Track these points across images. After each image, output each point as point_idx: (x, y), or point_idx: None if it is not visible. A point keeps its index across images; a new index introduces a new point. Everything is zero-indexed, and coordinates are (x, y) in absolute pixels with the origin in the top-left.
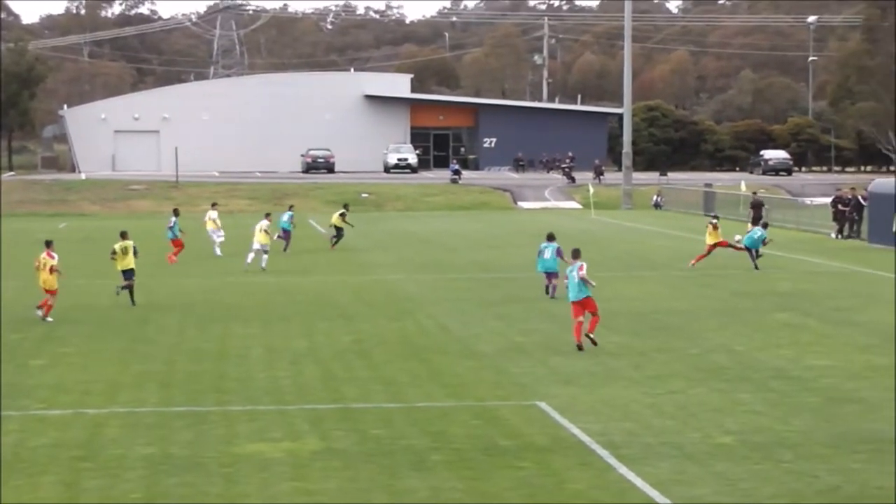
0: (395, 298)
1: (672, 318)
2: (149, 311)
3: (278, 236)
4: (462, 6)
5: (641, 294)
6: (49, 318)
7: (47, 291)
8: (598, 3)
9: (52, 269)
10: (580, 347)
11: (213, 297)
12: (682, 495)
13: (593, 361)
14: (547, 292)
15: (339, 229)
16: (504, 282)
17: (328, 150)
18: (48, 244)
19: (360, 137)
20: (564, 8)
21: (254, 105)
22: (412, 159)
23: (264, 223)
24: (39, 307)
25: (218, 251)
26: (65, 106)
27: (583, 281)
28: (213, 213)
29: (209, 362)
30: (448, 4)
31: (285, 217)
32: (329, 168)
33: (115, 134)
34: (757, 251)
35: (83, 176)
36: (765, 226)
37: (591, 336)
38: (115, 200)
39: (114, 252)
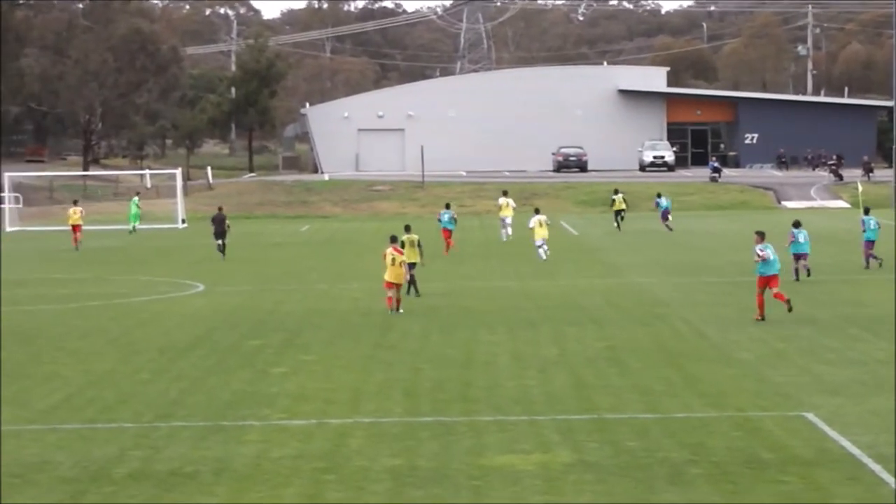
0: (648, 302)
1: None
2: (391, 317)
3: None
4: None
5: None
6: (400, 311)
7: (393, 285)
8: None
9: (401, 265)
10: (763, 318)
11: (457, 301)
12: None
13: (862, 370)
14: (795, 276)
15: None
16: None
17: (580, 147)
18: (393, 240)
19: (614, 134)
20: None
21: (502, 101)
22: (669, 157)
23: (543, 217)
24: (390, 307)
25: (504, 236)
26: (306, 104)
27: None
28: (512, 202)
29: (455, 370)
30: None
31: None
32: (581, 167)
33: (359, 132)
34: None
35: (326, 176)
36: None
37: (789, 300)
38: (358, 202)
39: (402, 244)
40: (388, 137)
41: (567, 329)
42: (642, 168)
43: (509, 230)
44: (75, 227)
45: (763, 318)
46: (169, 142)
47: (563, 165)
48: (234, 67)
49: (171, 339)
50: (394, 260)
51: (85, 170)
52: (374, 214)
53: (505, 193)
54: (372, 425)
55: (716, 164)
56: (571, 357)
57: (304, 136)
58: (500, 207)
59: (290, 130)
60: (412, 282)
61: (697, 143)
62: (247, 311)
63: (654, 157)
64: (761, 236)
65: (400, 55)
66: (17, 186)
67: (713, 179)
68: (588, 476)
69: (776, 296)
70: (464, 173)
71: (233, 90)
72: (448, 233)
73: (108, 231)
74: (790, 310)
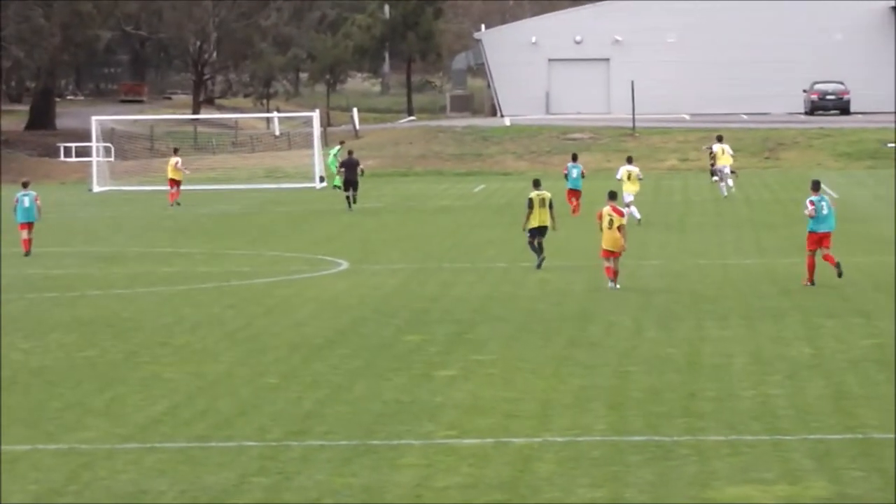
0: None
1: None
2: (592, 305)
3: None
4: None
5: None
6: (617, 286)
7: (611, 254)
8: None
9: (620, 228)
10: (812, 283)
11: (679, 284)
12: None
13: None
14: None
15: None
16: None
17: (841, 83)
18: (612, 196)
19: (886, 66)
20: None
21: (737, 23)
22: None
23: (634, 169)
24: (611, 279)
25: (724, 191)
26: (481, 27)
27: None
28: (728, 148)
29: (675, 375)
30: None
31: None
32: (842, 108)
33: (550, 63)
34: None
35: (507, 121)
36: None
37: (839, 263)
38: (548, 154)
39: (530, 203)
40: (589, 70)
41: (823, 322)
42: None
43: (730, 182)
44: (172, 182)
45: (812, 283)
46: (304, 76)
47: (819, 107)
48: None
49: (305, 332)
50: (611, 222)
51: (195, 113)
52: None
53: (720, 139)
54: (566, 446)
55: None
56: (829, 359)
57: (479, 69)
58: (714, 156)
59: (461, 61)
60: (540, 250)
61: None
62: (403, 296)
63: None
64: (816, 186)
65: None
66: (108, 134)
67: None
68: None
69: (826, 258)
70: (687, 117)
71: (386, 9)
72: (575, 193)
73: (226, 192)
74: (840, 275)
